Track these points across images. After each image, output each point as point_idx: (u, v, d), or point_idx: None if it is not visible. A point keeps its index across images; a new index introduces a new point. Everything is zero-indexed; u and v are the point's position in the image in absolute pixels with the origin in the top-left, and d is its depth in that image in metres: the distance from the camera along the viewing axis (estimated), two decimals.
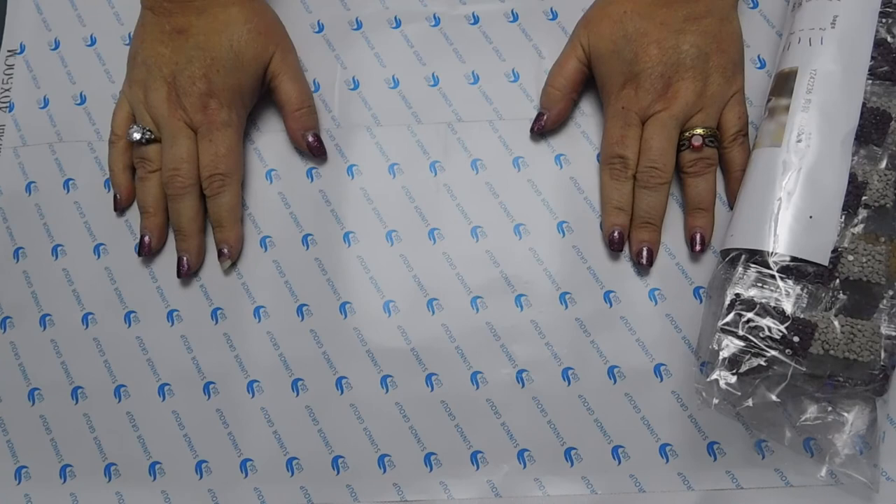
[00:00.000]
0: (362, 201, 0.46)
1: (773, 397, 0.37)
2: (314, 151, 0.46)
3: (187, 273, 0.45)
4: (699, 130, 0.42)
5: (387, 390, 0.43)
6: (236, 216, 0.45)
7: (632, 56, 0.42)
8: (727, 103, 0.43)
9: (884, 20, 0.40)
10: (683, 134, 0.42)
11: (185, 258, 0.45)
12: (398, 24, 0.50)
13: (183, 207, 0.44)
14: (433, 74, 0.48)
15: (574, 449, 0.42)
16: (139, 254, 0.45)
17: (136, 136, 0.44)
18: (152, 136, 0.45)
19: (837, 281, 0.38)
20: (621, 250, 0.43)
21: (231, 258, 0.45)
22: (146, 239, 0.45)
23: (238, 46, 0.44)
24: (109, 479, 0.43)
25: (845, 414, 0.38)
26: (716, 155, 0.43)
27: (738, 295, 0.38)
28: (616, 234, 0.43)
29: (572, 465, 0.42)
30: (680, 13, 0.42)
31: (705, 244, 0.43)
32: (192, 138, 0.44)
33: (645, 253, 0.43)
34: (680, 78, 0.41)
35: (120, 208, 0.47)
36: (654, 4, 0.42)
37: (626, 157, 0.42)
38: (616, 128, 0.43)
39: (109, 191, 0.47)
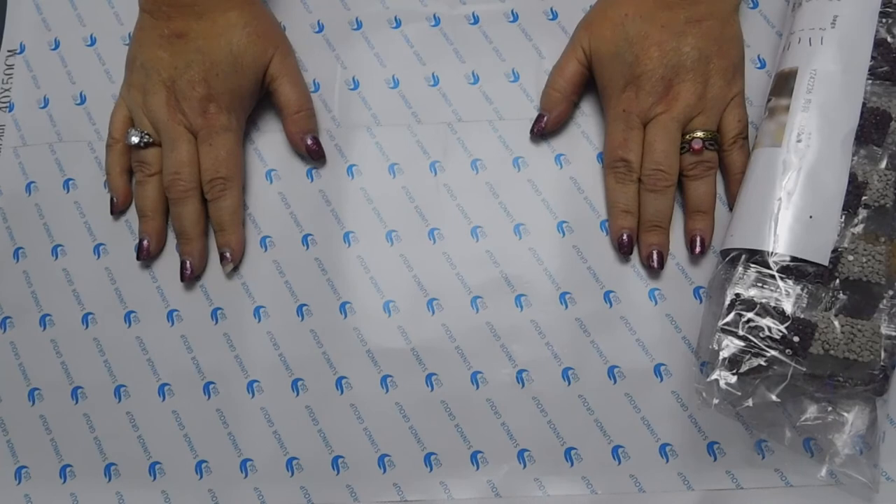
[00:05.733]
0: (362, 201, 0.46)
1: (773, 397, 0.37)
2: (313, 155, 0.46)
3: (191, 277, 0.45)
4: (699, 133, 0.42)
5: (387, 390, 0.43)
6: (238, 219, 0.45)
7: (633, 59, 0.42)
8: (727, 106, 0.43)
9: (884, 20, 0.40)
10: (684, 136, 0.42)
11: (188, 262, 0.45)
12: (398, 24, 0.50)
13: (185, 211, 0.44)
14: (433, 74, 0.48)
15: (574, 449, 0.42)
16: (138, 257, 0.45)
17: (135, 139, 0.44)
18: (150, 140, 0.45)
19: (837, 281, 0.38)
20: (630, 253, 0.43)
21: (233, 262, 0.45)
22: (145, 243, 0.45)
23: (237, 50, 0.44)
24: (109, 479, 0.43)
25: (845, 414, 0.38)
26: (716, 158, 0.43)
27: (738, 295, 0.38)
28: (625, 236, 0.43)
29: (572, 465, 0.42)
30: (681, 16, 0.42)
31: (705, 247, 0.43)
32: (192, 142, 0.44)
33: (655, 256, 0.43)
34: (680, 80, 0.41)
35: (117, 211, 0.47)
36: (656, 7, 0.42)
37: (629, 160, 0.42)
38: (618, 131, 0.43)
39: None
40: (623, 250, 0.43)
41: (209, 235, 0.46)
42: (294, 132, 0.46)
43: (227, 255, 0.44)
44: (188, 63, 0.43)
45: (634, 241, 0.43)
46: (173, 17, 0.44)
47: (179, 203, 0.44)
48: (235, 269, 0.45)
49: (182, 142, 0.44)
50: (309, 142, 0.46)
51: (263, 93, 0.47)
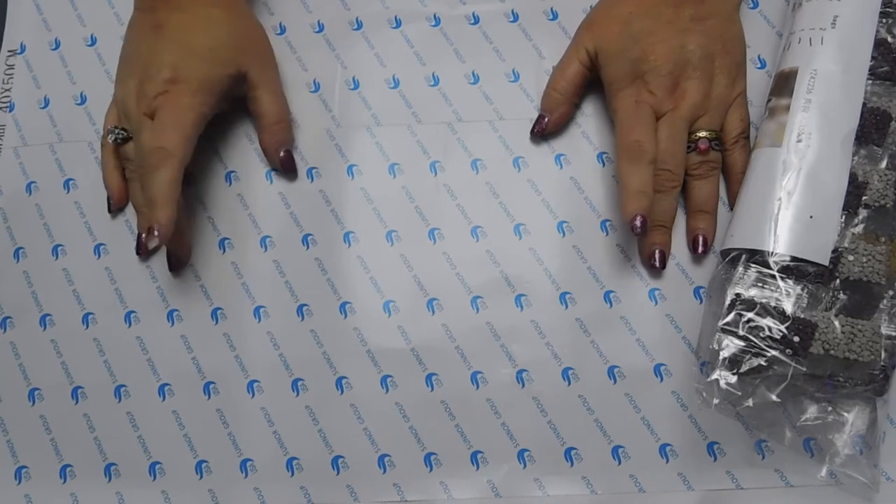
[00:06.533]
0: (362, 201, 0.46)
1: (773, 397, 0.37)
2: (285, 167, 0.46)
3: (178, 266, 0.44)
4: (704, 133, 0.42)
5: (387, 390, 0.43)
6: (172, 196, 0.40)
7: (639, 55, 0.42)
8: (730, 106, 0.43)
9: (884, 20, 0.40)
10: (689, 136, 0.42)
11: (175, 253, 0.45)
12: (398, 24, 0.50)
13: None
14: (433, 74, 0.48)
15: (574, 449, 0.42)
16: (138, 252, 0.45)
17: (111, 137, 0.44)
18: (126, 136, 0.44)
19: (838, 281, 0.38)
20: (645, 234, 0.40)
21: (160, 239, 0.40)
22: (143, 237, 0.45)
23: (214, 44, 0.43)
24: (109, 479, 0.43)
25: (845, 414, 0.38)
26: (720, 158, 0.43)
27: (738, 295, 0.38)
28: (639, 220, 0.39)
29: (572, 465, 0.42)
30: (686, 13, 0.42)
31: (707, 247, 0.43)
32: None
33: (658, 255, 0.43)
34: (687, 77, 0.41)
35: (114, 209, 0.47)
36: (661, 4, 0.42)
37: (641, 141, 0.40)
38: (629, 116, 0.41)
39: None
40: (636, 231, 0.39)
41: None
42: (270, 143, 0.46)
43: (155, 230, 0.40)
44: (161, 50, 0.43)
45: (649, 224, 0.40)
46: (157, 10, 0.44)
47: None
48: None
49: (144, 130, 0.42)
50: (282, 154, 0.46)
51: (238, 94, 0.46)
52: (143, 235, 0.42)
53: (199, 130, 0.43)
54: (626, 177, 0.40)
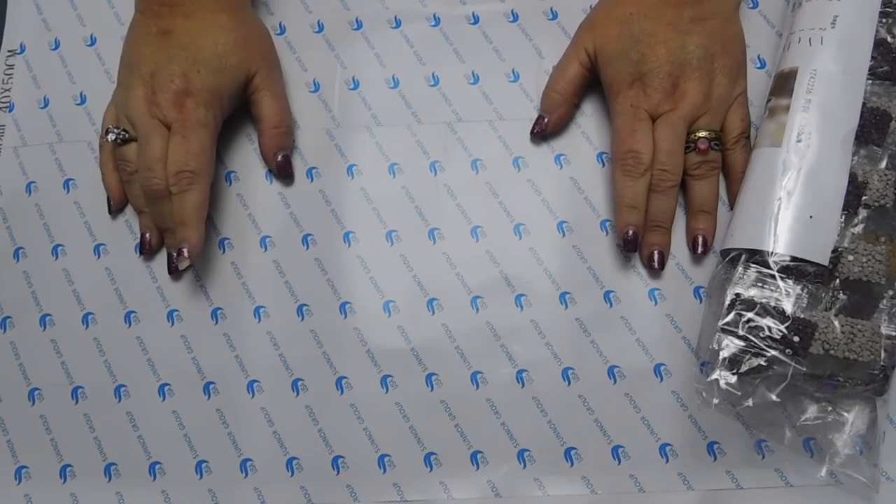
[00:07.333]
0: (362, 201, 0.46)
1: (773, 397, 0.37)
2: (281, 172, 0.46)
3: (178, 272, 0.44)
4: (704, 133, 0.42)
5: (387, 390, 0.43)
6: (201, 216, 0.42)
7: (639, 56, 0.42)
8: (731, 106, 0.43)
9: (884, 20, 0.40)
10: (689, 136, 0.42)
11: (174, 255, 0.44)
12: (398, 24, 0.50)
13: (165, 209, 0.43)
14: (433, 74, 0.48)
15: (574, 449, 0.42)
16: (140, 252, 0.45)
17: (111, 136, 0.44)
18: (127, 137, 0.44)
19: (837, 281, 0.38)
20: (635, 250, 0.42)
21: (190, 259, 0.42)
22: (147, 237, 0.45)
23: (222, 51, 0.43)
24: (109, 479, 0.43)
25: (845, 414, 0.38)
26: (720, 158, 0.43)
27: (738, 295, 0.38)
28: (630, 233, 0.42)
29: (572, 465, 0.42)
30: (686, 14, 0.42)
31: (707, 247, 0.43)
32: (165, 137, 0.42)
33: (656, 256, 0.43)
34: (687, 78, 0.41)
35: (113, 210, 0.47)
36: (661, 5, 0.42)
37: (638, 151, 0.41)
38: (626, 123, 0.42)
39: None
40: (627, 247, 0.42)
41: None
42: (269, 146, 0.46)
43: (185, 251, 0.42)
44: (170, 58, 0.43)
45: (640, 238, 0.42)
46: (162, 15, 0.43)
47: (157, 202, 0.43)
48: (190, 266, 0.44)
49: (155, 136, 0.42)
50: (280, 158, 0.46)
51: (244, 99, 0.46)
52: (174, 256, 0.43)
53: (215, 143, 0.44)
54: (620, 189, 0.42)
